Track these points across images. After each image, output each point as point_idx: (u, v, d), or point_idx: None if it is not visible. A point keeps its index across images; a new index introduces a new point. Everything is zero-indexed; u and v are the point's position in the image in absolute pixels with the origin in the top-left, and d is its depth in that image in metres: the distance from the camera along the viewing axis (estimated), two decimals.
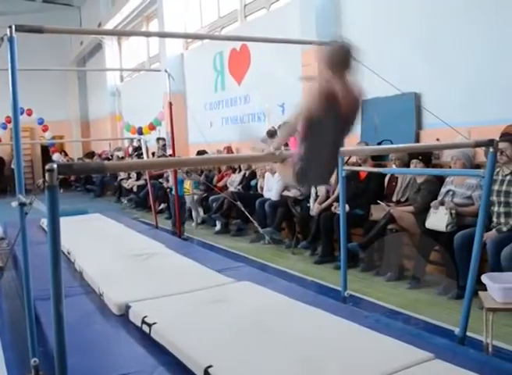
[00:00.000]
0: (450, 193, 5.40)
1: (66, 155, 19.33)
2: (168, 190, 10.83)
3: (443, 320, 4.28)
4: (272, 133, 9.53)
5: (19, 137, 3.56)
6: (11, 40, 3.40)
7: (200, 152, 10.80)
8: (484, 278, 3.55)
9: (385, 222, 5.76)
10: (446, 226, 5.10)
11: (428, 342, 3.30)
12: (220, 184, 9.78)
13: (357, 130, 7.67)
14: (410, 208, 5.81)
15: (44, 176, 1.89)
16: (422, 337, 3.55)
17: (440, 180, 5.69)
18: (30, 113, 15.22)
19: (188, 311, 3.82)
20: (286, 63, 9.18)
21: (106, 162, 2.39)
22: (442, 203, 5.27)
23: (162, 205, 11.34)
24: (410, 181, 6.09)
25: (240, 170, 9.47)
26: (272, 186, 7.98)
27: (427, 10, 6.82)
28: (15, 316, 4.72)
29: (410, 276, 5.48)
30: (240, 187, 9.12)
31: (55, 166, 1.88)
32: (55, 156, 17.50)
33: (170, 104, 8.22)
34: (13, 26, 3.40)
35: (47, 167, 1.87)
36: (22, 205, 3.15)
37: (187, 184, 9.45)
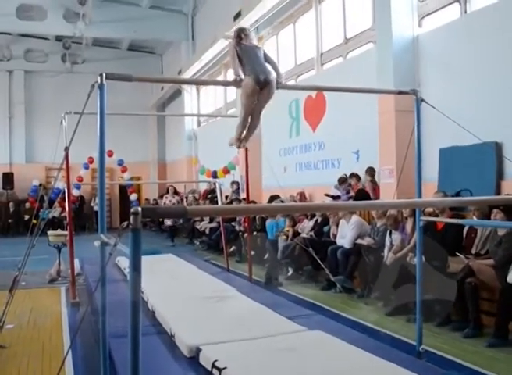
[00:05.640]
0: None
1: (176, 193, 17.29)
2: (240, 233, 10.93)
3: None
4: (343, 180, 9.49)
5: (104, 178, 3.72)
6: (101, 87, 3.57)
7: (274, 197, 10.87)
8: None
9: (463, 275, 5.54)
10: None
11: None
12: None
13: (434, 178, 7.52)
14: (491, 261, 5.57)
15: (121, 216, 1.95)
16: None
17: None
18: (110, 154, 15.75)
19: (259, 358, 3.78)
20: (362, 110, 9.17)
21: (188, 206, 2.46)
22: None
23: (233, 248, 11.39)
24: (491, 233, 5.85)
25: (314, 216, 9.38)
26: (345, 233, 7.88)
27: (508, 57, 6.68)
28: (88, 352, 4.83)
29: (489, 334, 5.22)
30: (312, 232, 9.05)
31: (139, 209, 1.92)
32: (132, 197, 18.02)
33: (246, 148, 8.32)
34: (103, 74, 3.57)
35: (132, 210, 1.91)
36: (104, 244, 3.25)
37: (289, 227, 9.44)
